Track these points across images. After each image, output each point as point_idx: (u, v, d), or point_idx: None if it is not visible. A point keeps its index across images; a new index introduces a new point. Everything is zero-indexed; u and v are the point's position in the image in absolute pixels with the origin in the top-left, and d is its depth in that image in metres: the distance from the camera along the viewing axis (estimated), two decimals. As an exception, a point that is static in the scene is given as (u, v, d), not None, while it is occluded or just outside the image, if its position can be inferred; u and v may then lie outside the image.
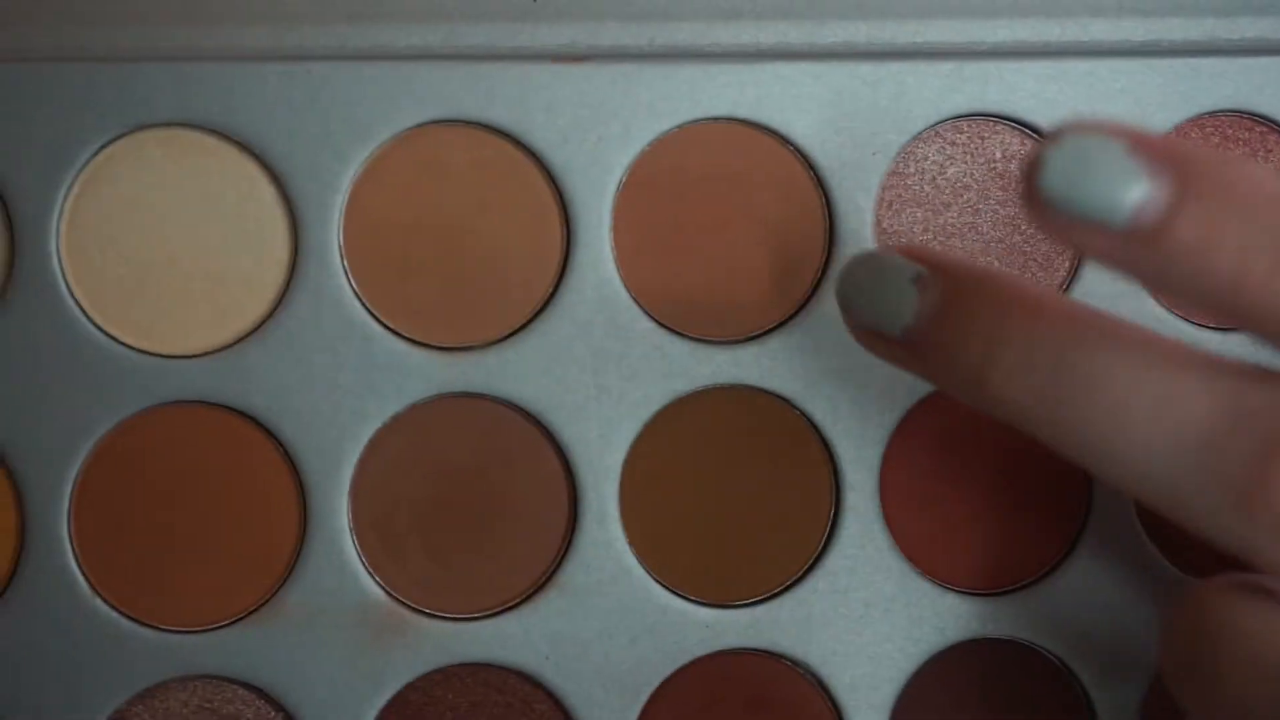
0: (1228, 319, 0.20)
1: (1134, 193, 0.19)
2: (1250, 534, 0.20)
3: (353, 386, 0.28)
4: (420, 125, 0.28)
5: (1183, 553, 0.28)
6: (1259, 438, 0.20)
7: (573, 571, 0.28)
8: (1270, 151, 0.29)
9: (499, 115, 0.28)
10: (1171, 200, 0.19)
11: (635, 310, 0.28)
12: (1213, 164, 0.19)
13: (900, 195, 0.28)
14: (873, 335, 0.24)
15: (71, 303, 0.27)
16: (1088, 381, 0.21)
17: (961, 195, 0.28)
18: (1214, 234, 0.19)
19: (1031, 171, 0.19)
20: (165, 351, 0.28)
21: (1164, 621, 0.23)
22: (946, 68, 0.28)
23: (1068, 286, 0.28)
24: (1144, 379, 0.21)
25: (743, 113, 0.28)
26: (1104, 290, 0.28)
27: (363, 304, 0.28)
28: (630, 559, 0.28)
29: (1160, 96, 0.28)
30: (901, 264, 0.24)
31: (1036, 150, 0.19)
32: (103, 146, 0.28)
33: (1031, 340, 0.22)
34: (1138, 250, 0.19)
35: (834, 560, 0.28)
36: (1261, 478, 0.20)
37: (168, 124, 0.28)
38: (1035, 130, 0.28)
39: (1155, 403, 0.20)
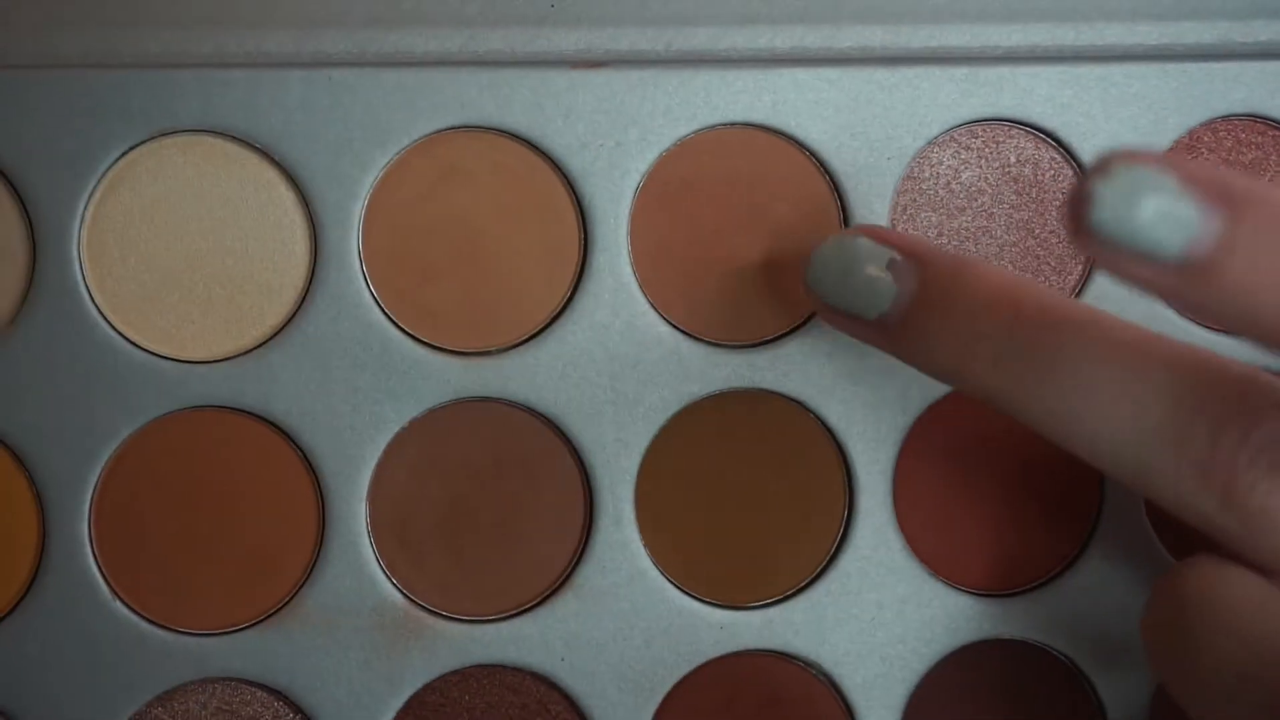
0: (1274, 350, 0.20)
1: (1187, 228, 0.18)
2: (1212, 510, 0.21)
3: (371, 391, 0.28)
4: (439, 131, 0.28)
5: (1192, 553, 0.28)
6: (1213, 416, 0.21)
7: (588, 574, 0.28)
8: (1283, 156, 0.29)
9: (517, 121, 0.28)
10: (1223, 234, 0.18)
11: (652, 314, 0.28)
12: (1261, 195, 0.18)
13: (915, 200, 0.28)
14: (844, 317, 0.25)
15: (92, 308, 0.27)
16: (1057, 367, 0.22)
17: (976, 200, 0.28)
18: (1266, 268, 0.18)
19: (1080, 205, 0.19)
20: (185, 356, 0.28)
21: (1148, 599, 0.23)
22: (961, 72, 0.28)
23: (1081, 290, 0.28)
24: (1109, 363, 0.21)
25: (759, 118, 0.28)
26: (1117, 294, 0.28)
27: (381, 309, 0.28)
28: (645, 561, 0.28)
29: (1174, 100, 0.28)
30: (874, 249, 0.25)
31: (1084, 184, 0.19)
32: (124, 153, 0.28)
33: (1006, 330, 0.22)
34: (1189, 284, 0.19)
35: (847, 562, 0.28)
36: (1211, 455, 0.21)
37: (189, 130, 0.28)
38: (1049, 135, 0.28)
39: (1119, 385, 0.21)
